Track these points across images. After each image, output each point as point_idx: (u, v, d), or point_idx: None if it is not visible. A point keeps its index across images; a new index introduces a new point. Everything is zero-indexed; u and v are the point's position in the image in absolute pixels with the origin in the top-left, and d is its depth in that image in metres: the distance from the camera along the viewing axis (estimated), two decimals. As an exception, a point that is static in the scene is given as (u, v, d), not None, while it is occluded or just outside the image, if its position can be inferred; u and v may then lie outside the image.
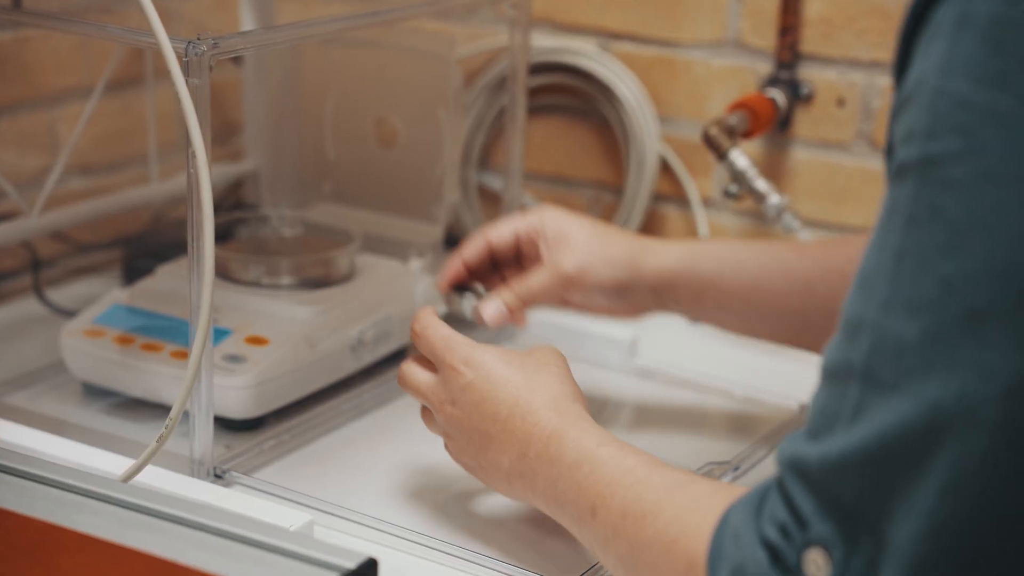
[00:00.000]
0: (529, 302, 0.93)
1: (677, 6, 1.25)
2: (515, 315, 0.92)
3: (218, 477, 0.88)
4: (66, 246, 1.23)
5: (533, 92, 1.29)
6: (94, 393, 1.00)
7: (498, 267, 0.96)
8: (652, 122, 1.26)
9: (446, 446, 0.84)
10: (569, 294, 0.93)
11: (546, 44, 1.29)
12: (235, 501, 0.82)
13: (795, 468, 0.56)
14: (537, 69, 1.28)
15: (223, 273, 1.04)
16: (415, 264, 1.13)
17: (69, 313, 1.11)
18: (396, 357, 1.08)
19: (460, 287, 0.95)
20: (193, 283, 0.84)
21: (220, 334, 0.97)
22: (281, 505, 0.83)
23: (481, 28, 1.34)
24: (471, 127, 1.31)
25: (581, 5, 1.29)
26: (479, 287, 0.95)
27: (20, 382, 1.02)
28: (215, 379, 0.90)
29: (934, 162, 0.53)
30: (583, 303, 0.95)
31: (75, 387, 1.01)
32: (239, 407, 0.94)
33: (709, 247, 0.94)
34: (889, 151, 0.57)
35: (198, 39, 0.81)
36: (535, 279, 0.92)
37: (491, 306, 0.92)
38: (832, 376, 0.56)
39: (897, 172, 0.54)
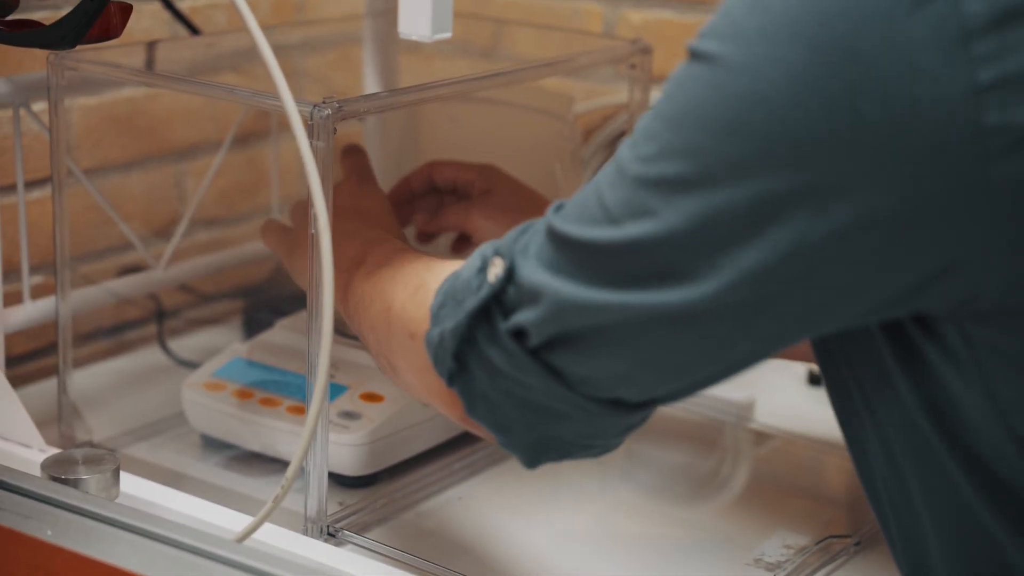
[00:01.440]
0: (432, 231, 1.05)
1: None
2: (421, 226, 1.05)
3: (331, 535, 0.89)
4: (189, 297, 1.26)
5: (651, 149, 1.29)
6: (213, 445, 1.01)
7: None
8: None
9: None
10: (474, 215, 1.02)
11: (665, 101, 1.28)
12: (348, 562, 0.82)
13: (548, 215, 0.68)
14: (656, 126, 1.27)
15: (339, 328, 1.05)
16: (530, 322, 1.13)
17: (190, 364, 1.13)
18: (509, 415, 1.08)
19: None
20: (312, 339, 0.85)
21: (336, 390, 0.98)
22: (393, 568, 0.83)
23: (601, 85, 1.34)
24: (587, 182, 1.30)
25: (701, 62, 1.28)
26: None
27: (142, 432, 1.04)
28: (330, 435, 0.91)
29: (697, 55, 0.61)
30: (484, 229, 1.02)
31: (194, 438, 1.02)
32: (353, 464, 0.95)
33: None
34: None
35: (323, 103, 0.83)
36: (443, 215, 1.04)
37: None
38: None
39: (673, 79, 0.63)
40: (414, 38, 0.72)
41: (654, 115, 0.62)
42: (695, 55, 0.61)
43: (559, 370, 0.67)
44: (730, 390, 1.12)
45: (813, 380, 1.19)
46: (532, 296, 0.66)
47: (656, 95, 1.28)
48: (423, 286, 0.74)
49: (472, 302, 0.68)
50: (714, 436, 1.09)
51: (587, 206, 0.65)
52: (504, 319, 0.67)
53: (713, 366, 0.65)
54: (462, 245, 1.07)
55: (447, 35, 0.73)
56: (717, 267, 0.59)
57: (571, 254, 0.64)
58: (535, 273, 0.66)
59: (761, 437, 1.09)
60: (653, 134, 0.62)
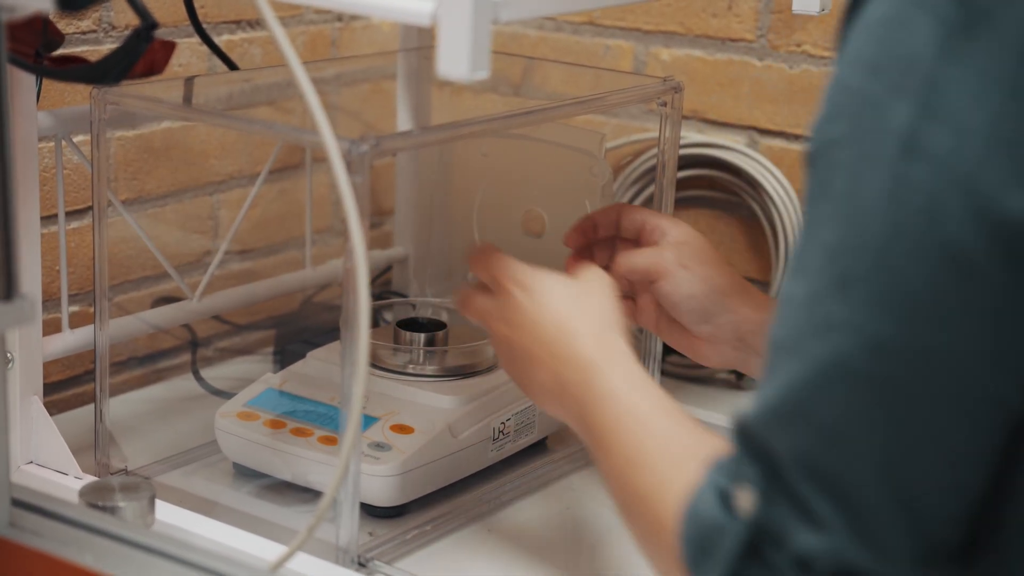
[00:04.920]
0: (619, 271, 0.97)
1: (827, 103, 1.25)
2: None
3: (362, 566, 0.90)
4: (223, 327, 1.27)
5: (681, 184, 1.30)
6: (245, 474, 1.02)
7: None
8: (799, 218, 1.25)
9: (498, 358, 0.91)
10: (657, 286, 0.96)
11: (695, 139, 1.30)
12: (378, 592, 0.83)
13: (737, 426, 0.63)
14: (686, 162, 1.29)
15: (371, 360, 1.06)
16: (559, 355, 1.14)
17: (223, 394, 1.14)
18: (536, 448, 1.09)
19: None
20: (345, 372, 0.86)
21: (366, 421, 0.99)
22: (422, 597, 0.84)
23: (630, 121, 1.35)
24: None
25: (731, 102, 1.30)
26: None
27: (175, 460, 1.05)
28: (361, 466, 0.92)
29: (828, 145, 0.60)
30: (666, 305, 0.96)
31: (227, 467, 1.04)
32: (383, 495, 0.96)
33: None
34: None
35: (361, 139, 0.84)
36: (636, 254, 0.97)
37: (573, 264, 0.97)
38: (769, 351, 0.63)
39: (808, 159, 0.62)
40: (452, 78, 0.74)
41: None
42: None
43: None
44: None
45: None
46: (806, 511, 0.60)
47: (688, 131, 1.30)
48: (664, 485, 0.70)
49: (732, 546, 0.62)
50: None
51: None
52: (779, 549, 0.60)
53: None
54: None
55: (485, 75, 0.74)
56: None
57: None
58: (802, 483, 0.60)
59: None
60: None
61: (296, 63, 0.74)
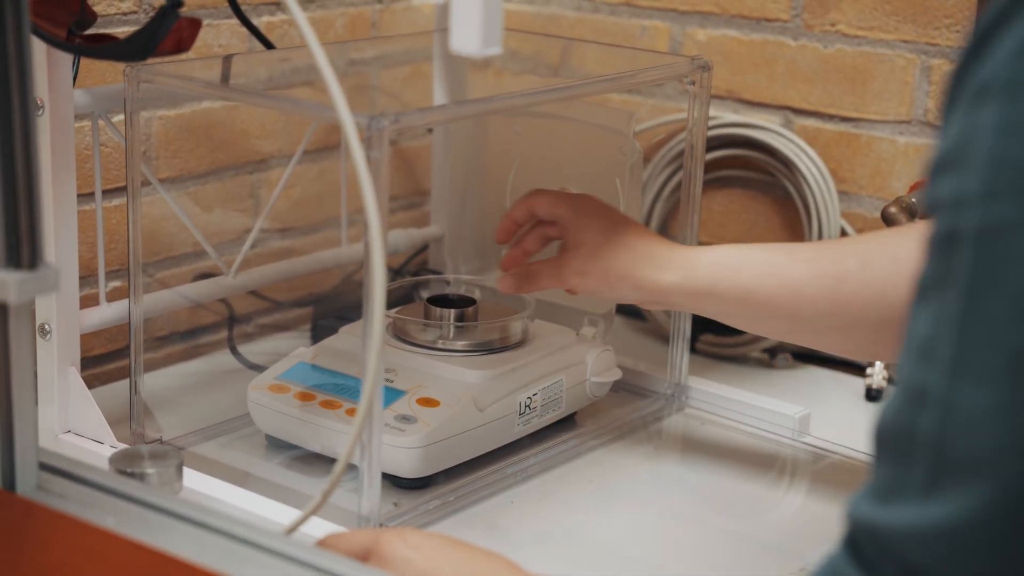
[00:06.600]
0: (532, 286, 1.03)
1: (863, 84, 1.25)
2: (522, 290, 1.04)
3: (383, 534, 0.91)
4: (263, 303, 1.30)
5: (716, 164, 1.30)
6: (277, 446, 1.05)
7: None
8: (833, 198, 1.25)
9: None
10: (567, 274, 1.01)
11: (730, 118, 1.30)
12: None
13: (869, 532, 0.56)
14: (720, 143, 1.29)
15: (401, 335, 1.08)
16: (587, 332, 1.15)
17: (259, 368, 1.17)
18: (564, 423, 1.10)
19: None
20: (364, 340, 0.88)
21: (393, 394, 1.00)
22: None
23: (667, 102, 1.36)
24: (652, 197, 1.32)
25: (765, 82, 1.30)
26: None
27: (209, 432, 1.08)
28: (386, 438, 0.94)
29: (994, 229, 0.51)
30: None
31: (260, 439, 1.06)
32: (408, 466, 0.98)
33: (708, 256, 0.99)
34: (929, 212, 0.55)
35: (380, 115, 0.86)
36: (544, 273, 1.02)
37: (504, 282, 1.04)
38: (898, 441, 0.55)
39: (949, 237, 0.53)
40: (465, 54, 0.75)
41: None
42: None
43: None
44: (785, 405, 1.13)
45: (871, 396, 1.20)
46: None
47: (723, 111, 1.30)
48: None
49: None
50: (769, 450, 1.11)
51: None
52: None
53: None
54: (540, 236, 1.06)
55: (497, 51, 0.75)
56: None
57: None
58: None
59: (816, 452, 1.10)
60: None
61: (312, 39, 0.76)
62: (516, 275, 1.04)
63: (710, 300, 0.98)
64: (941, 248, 0.53)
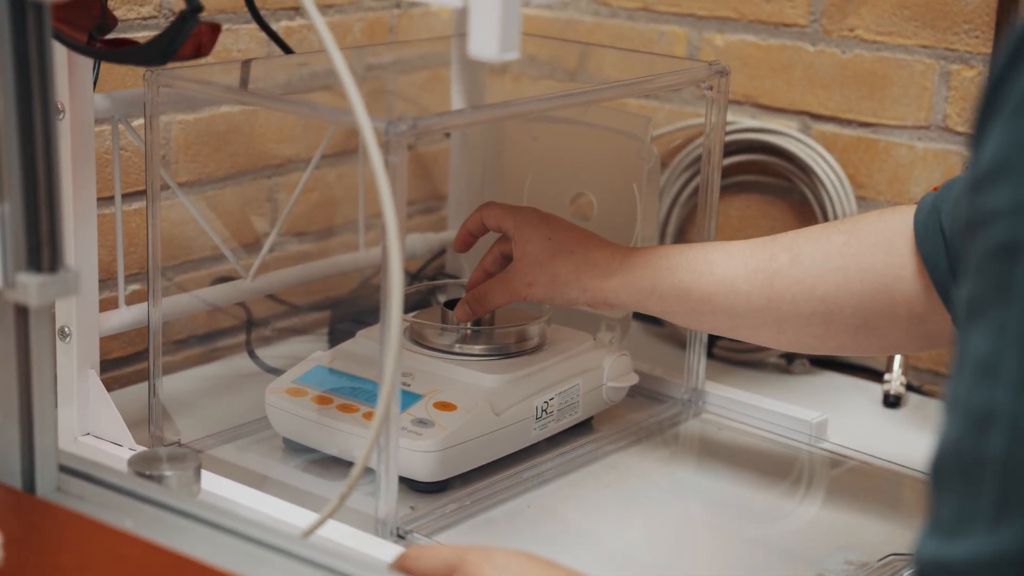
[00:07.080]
0: (485, 308, 1.06)
1: (881, 89, 1.24)
2: (478, 313, 1.06)
3: (400, 538, 0.92)
4: (281, 307, 1.30)
5: (734, 170, 1.30)
6: (294, 449, 1.05)
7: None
8: (851, 203, 1.25)
9: None
10: (516, 286, 1.03)
11: (748, 124, 1.30)
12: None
13: (941, 570, 0.53)
14: (738, 148, 1.29)
15: (418, 340, 1.08)
16: (604, 337, 1.16)
17: (277, 372, 1.17)
18: (581, 428, 1.10)
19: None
20: (381, 345, 0.88)
21: (411, 398, 1.01)
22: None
23: (684, 107, 1.36)
24: (669, 202, 1.32)
25: (783, 87, 1.30)
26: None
27: (227, 435, 1.08)
28: (403, 442, 0.94)
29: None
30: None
31: (277, 442, 1.06)
32: (425, 470, 0.98)
33: (647, 257, 1.00)
34: (976, 225, 0.53)
35: (398, 119, 0.86)
36: (495, 291, 1.04)
37: (460, 310, 1.07)
38: (963, 469, 0.53)
39: (1007, 248, 0.51)
40: (483, 58, 0.75)
41: None
42: None
43: None
44: (802, 410, 1.13)
45: (888, 402, 1.20)
46: None
47: (741, 116, 1.30)
48: None
49: None
50: (786, 455, 1.10)
51: None
52: None
53: None
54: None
55: (515, 55, 0.75)
56: None
57: None
58: None
59: (834, 458, 1.10)
60: None
61: (331, 43, 0.76)
62: (469, 300, 1.06)
63: (651, 300, 1.00)
64: (997, 260, 0.51)
